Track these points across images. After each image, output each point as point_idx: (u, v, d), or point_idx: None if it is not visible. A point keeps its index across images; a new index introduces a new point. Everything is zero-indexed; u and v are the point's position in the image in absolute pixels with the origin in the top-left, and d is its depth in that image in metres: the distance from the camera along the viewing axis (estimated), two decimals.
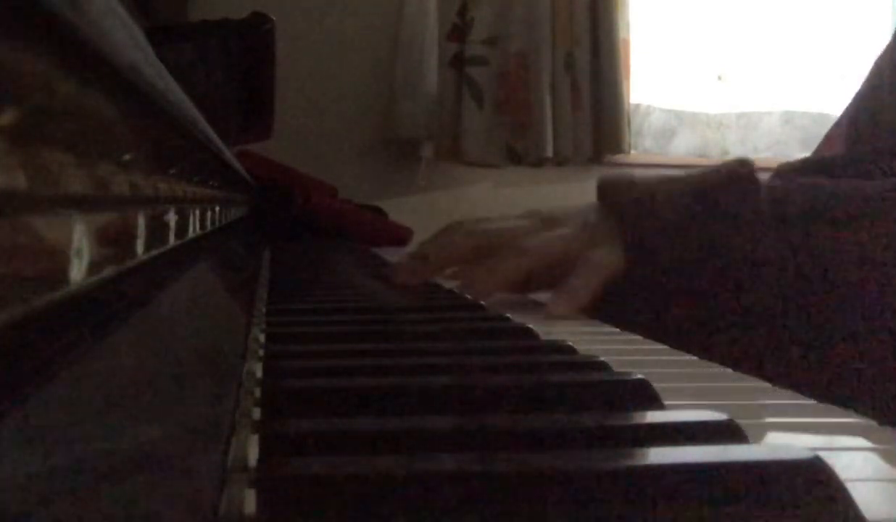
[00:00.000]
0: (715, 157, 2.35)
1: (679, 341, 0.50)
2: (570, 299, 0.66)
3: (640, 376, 0.34)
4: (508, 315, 0.56)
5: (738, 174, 0.71)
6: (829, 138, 0.94)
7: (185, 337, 0.35)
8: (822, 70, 2.34)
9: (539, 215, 0.76)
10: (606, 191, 0.75)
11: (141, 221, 0.29)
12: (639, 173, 0.78)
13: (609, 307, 0.66)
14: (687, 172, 0.77)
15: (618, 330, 0.59)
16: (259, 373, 0.36)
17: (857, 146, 0.86)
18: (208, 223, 0.57)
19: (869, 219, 0.67)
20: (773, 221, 0.68)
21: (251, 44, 1.05)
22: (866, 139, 0.85)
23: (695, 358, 0.49)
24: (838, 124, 0.92)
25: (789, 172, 0.88)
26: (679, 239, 0.68)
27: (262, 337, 0.45)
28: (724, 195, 0.70)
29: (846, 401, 0.36)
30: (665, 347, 0.53)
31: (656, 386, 0.33)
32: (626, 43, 2.21)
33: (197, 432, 0.25)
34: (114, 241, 0.25)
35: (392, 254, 1.01)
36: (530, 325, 0.50)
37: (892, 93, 0.82)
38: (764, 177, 0.72)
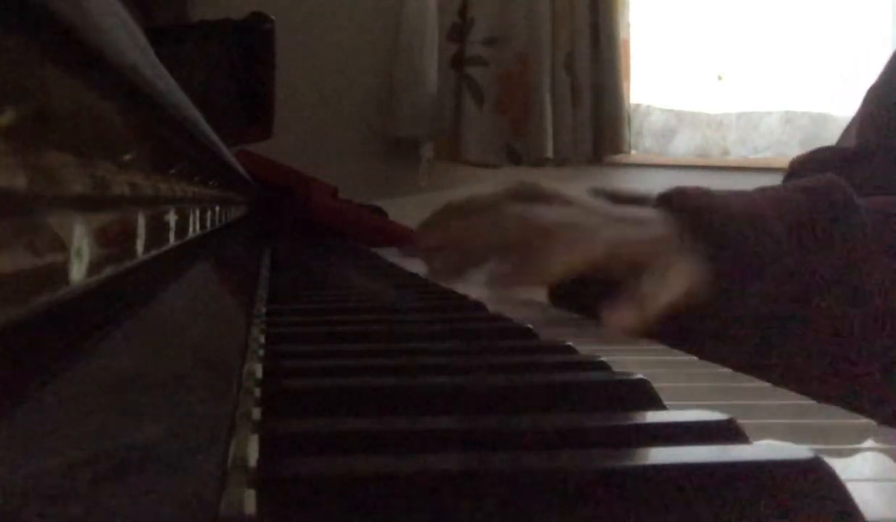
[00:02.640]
0: (715, 157, 2.35)
1: (765, 368, 0.45)
2: (640, 311, 0.56)
3: (640, 376, 0.34)
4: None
5: (834, 199, 0.62)
6: (848, 129, 0.92)
7: (184, 337, 0.35)
8: (822, 70, 2.35)
9: (600, 211, 0.63)
10: (677, 202, 0.64)
11: (141, 221, 0.29)
12: (716, 191, 0.66)
13: (675, 328, 0.58)
14: (763, 189, 0.67)
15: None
16: (259, 373, 0.36)
17: (869, 137, 0.84)
18: (208, 223, 0.57)
19: None
20: (879, 249, 0.60)
21: (251, 44, 1.05)
22: (879, 130, 0.83)
23: (694, 358, 0.49)
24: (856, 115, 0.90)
25: (803, 163, 0.87)
26: (777, 267, 0.61)
27: (262, 338, 0.45)
28: (823, 222, 0.61)
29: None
30: (664, 347, 0.53)
31: (656, 386, 0.33)
32: (626, 43, 2.22)
33: (197, 432, 0.25)
34: (114, 241, 0.25)
35: (392, 254, 1.01)
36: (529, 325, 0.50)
37: None
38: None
